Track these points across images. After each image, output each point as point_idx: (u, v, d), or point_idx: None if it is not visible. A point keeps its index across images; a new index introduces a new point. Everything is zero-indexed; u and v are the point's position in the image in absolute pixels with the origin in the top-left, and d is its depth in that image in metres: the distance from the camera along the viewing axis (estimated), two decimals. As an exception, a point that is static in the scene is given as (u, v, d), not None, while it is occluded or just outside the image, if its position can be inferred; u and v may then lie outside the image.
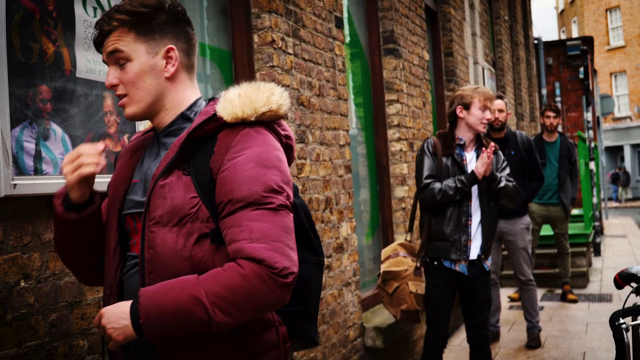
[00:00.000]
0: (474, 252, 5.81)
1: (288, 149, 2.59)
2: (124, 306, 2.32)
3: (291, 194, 2.41)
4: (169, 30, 2.51)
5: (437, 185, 5.76)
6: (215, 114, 2.41)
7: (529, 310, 8.69)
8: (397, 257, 6.12)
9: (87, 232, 2.64)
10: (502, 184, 5.71)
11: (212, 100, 2.58)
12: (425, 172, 5.83)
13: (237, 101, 2.42)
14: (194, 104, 2.57)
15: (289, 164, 2.57)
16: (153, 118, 2.57)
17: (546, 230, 11.83)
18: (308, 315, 2.66)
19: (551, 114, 10.89)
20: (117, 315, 2.32)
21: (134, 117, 2.55)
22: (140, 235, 2.44)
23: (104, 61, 2.55)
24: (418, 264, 6.06)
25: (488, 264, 5.91)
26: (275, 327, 2.51)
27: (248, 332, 2.43)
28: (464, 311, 6.08)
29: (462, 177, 5.70)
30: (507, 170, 5.94)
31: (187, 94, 2.57)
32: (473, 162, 5.87)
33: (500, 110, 8.39)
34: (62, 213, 2.60)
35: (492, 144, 5.77)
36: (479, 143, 5.93)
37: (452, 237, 5.79)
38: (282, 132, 2.55)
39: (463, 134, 5.89)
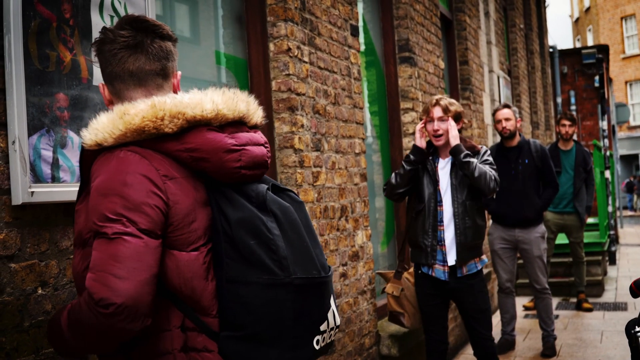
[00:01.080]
0: (452, 259, 5.81)
1: (199, 162, 2.46)
2: None
3: (139, 219, 2.30)
4: (101, 66, 2.62)
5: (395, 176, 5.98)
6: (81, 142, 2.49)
7: (544, 319, 8.66)
8: (395, 281, 6.31)
9: None
10: (467, 159, 5.68)
11: None
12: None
13: (93, 127, 2.44)
14: None
15: (224, 173, 2.49)
16: None
17: (561, 239, 11.78)
18: (261, 340, 2.45)
19: (567, 122, 10.87)
20: None
21: None
22: None
23: None
24: (399, 268, 6.22)
25: (464, 271, 5.87)
26: (173, 356, 2.43)
27: (139, 359, 2.44)
28: (465, 323, 6.11)
29: (406, 157, 5.93)
30: (487, 167, 5.86)
31: None
32: (446, 169, 5.90)
33: (507, 119, 8.40)
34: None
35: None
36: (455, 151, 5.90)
37: (422, 242, 5.85)
38: (179, 147, 2.45)
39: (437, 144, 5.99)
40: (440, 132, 5.79)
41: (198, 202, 2.48)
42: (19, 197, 2.97)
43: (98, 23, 3.48)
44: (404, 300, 6.07)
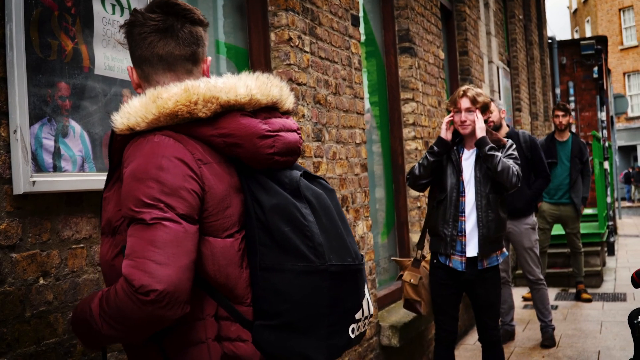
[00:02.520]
0: (471, 250, 5.77)
1: (233, 147, 2.43)
2: None
3: (177, 204, 2.26)
4: (130, 49, 2.56)
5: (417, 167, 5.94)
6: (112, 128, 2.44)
7: (540, 310, 8.67)
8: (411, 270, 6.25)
9: None
10: (491, 152, 5.65)
11: None
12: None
13: (125, 111, 2.39)
14: None
15: (259, 159, 2.46)
16: None
17: (559, 230, 11.78)
18: (296, 328, 2.41)
19: (560, 112, 10.88)
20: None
21: None
22: None
23: None
24: (418, 256, 6.16)
25: (485, 264, 5.83)
26: (207, 345, 2.39)
27: (171, 347, 2.39)
28: (474, 312, 6.09)
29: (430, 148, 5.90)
30: (510, 155, 5.84)
31: None
32: (471, 159, 5.86)
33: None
34: None
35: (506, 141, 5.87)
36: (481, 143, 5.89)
37: (442, 232, 5.81)
38: (214, 132, 2.41)
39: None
40: (467, 122, 5.76)
41: (232, 188, 2.44)
42: (20, 186, 2.95)
43: (100, 12, 3.46)
44: (421, 288, 6.05)
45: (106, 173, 3.38)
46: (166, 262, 2.19)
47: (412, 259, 6.22)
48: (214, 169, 2.40)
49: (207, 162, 2.38)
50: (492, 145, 5.69)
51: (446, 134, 5.83)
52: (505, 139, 5.88)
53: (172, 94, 2.36)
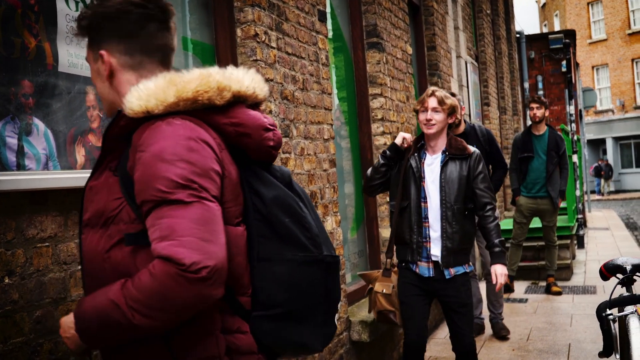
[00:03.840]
0: (436, 256, 5.72)
1: (242, 137, 2.45)
2: (72, 315, 2.37)
3: (209, 185, 2.25)
4: (104, 34, 2.47)
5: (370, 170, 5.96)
6: (121, 111, 2.37)
7: (492, 302, 8.78)
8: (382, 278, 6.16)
9: None
10: (499, 248, 5.81)
11: None
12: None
13: (141, 93, 2.34)
14: None
15: (262, 151, 2.50)
16: None
17: (532, 223, 11.83)
18: (294, 318, 2.45)
19: (534, 105, 10.92)
20: (67, 324, 2.39)
21: (107, 114, 2.60)
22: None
23: None
24: (387, 265, 6.07)
25: (452, 272, 5.76)
26: (215, 337, 2.36)
27: (178, 341, 2.32)
28: (447, 319, 5.95)
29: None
30: (482, 177, 5.80)
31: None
32: (435, 163, 5.79)
33: None
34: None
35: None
36: (448, 147, 5.87)
37: (407, 238, 5.76)
38: (226, 121, 2.42)
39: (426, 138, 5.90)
40: (433, 121, 5.73)
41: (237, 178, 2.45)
42: (-16, 185, 2.94)
43: (63, 9, 3.45)
44: (394, 297, 5.94)
45: (71, 171, 3.37)
46: (211, 239, 2.17)
47: (381, 270, 6.15)
48: (228, 155, 2.41)
49: (223, 149, 2.39)
50: (500, 248, 5.80)
51: (399, 140, 5.82)
52: (470, 148, 5.82)
53: (190, 79, 2.37)
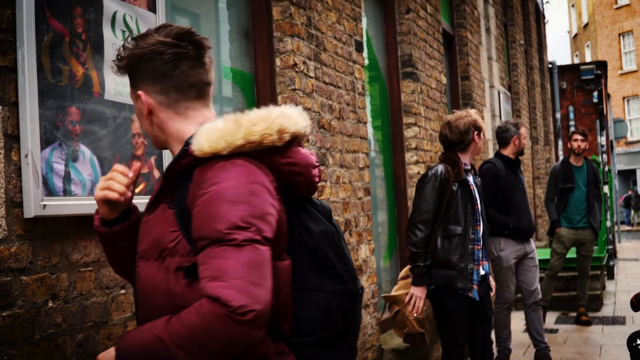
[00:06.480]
0: (481, 272, 5.75)
1: (295, 176, 2.51)
2: (113, 350, 2.39)
3: (265, 227, 2.29)
4: (141, 75, 2.54)
5: (420, 241, 5.70)
6: (187, 149, 2.41)
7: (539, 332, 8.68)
8: (407, 279, 6.02)
9: (116, 246, 2.73)
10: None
11: None
12: (424, 215, 5.73)
13: (211, 135, 2.39)
14: (192, 136, 2.49)
15: (310, 188, 2.57)
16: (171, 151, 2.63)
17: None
18: (329, 345, 2.54)
19: (579, 137, 10.89)
20: (106, 359, 2.40)
21: (155, 147, 2.71)
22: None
23: None
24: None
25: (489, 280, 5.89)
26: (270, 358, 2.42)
27: None
28: (470, 330, 5.90)
29: (422, 269, 5.71)
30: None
31: (179, 128, 2.54)
32: (475, 186, 5.89)
33: None
34: (96, 226, 2.72)
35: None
36: (473, 169, 5.99)
37: (458, 266, 5.66)
38: (283, 161, 2.47)
39: (467, 159, 5.86)
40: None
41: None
42: (31, 210, 2.99)
43: (110, 38, 3.51)
44: (426, 320, 5.89)
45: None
46: (261, 283, 2.21)
47: (406, 293, 5.91)
48: (280, 195, 2.47)
49: (279, 191, 2.46)
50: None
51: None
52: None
53: (255, 121, 2.41)
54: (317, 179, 2.59)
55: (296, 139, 2.52)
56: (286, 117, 2.47)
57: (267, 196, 2.36)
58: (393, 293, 6.04)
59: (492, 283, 5.95)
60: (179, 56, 2.49)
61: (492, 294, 5.94)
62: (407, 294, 5.89)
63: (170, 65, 2.50)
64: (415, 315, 5.83)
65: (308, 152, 2.57)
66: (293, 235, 2.51)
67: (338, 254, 2.56)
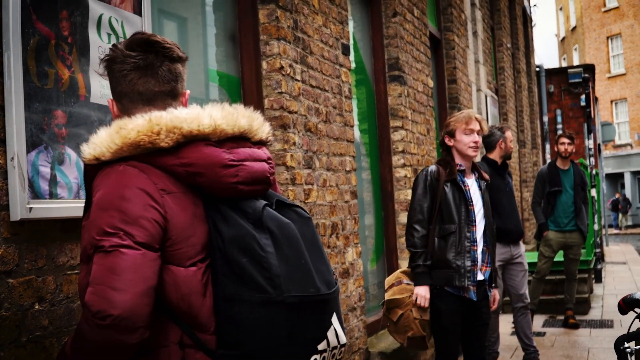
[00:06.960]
0: (479, 275, 5.75)
1: (195, 176, 2.46)
2: None
3: (137, 232, 2.31)
4: (111, 83, 2.65)
5: (418, 240, 5.79)
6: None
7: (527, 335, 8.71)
8: (401, 285, 5.95)
9: None
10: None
11: None
12: (418, 215, 5.81)
13: (95, 141, 2.46)
14: None
15: (223, 188, 2.49)
16: None
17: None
18: (257, 358, 2.44)
19: (566, 140, 10.91)
20: None
21: None
22: None
23: None
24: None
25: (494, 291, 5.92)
26: None
27: None
28: (466, 334, 5.92)
29: (422, 268, 5.76)
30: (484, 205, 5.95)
31: None
32: (474, 187, 5.86)
33: None
34: None
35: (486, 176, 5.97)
36: (477, 172, 5.96)
37: (454, 263, 5.67)
38: (175, 162, 2.45)
39: (460, 161, 5.84)
40: (479, 144, 5.82)
41: (197, 217, 2.47)
42: (17, 213, 2.99)
43: (96, 41, 3.51)
44: (426, 324, 5.84)
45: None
46: (123, 288, 2.25)
47: (409, 296, 5.87)
48: (178, 198, 2.45)
49: (171, 192, 2.44)
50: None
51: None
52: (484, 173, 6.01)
53: (135, 125, 2.43)
54: (233, 179, 2.49)
55: (204, 138, 2.49)
56: (176, 117, 2.46)
57: (144, 199, 2.37)
58: (397, 296, 6.02)
59: (495, 298, 6.01)
60: (129, 65, 2.56)
61: (492, 307, 5.96)
62: (410, 296, 5.87)
63: (120, 74, 2.58)
64: (421, 317, 5.80)
65: (218, 152, 2.49)
66: (211, 240, 2.48)
67: (256, 260, 2.44)
